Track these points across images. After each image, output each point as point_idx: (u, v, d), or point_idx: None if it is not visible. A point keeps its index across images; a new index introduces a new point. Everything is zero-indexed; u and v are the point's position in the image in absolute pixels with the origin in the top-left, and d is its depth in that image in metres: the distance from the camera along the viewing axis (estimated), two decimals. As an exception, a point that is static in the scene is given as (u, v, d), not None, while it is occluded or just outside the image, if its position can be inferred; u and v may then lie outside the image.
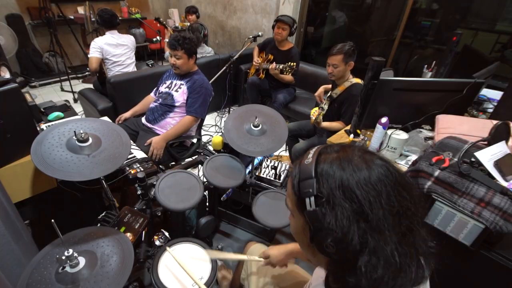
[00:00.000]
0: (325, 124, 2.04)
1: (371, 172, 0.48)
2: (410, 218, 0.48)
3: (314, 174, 0.49)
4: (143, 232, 1.21)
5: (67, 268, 0.85)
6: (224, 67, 2.93)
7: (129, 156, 1.64)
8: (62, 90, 4.06)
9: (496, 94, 1.77)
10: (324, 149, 0.54)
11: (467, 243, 0.99)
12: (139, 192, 1.34)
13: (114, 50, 2.79)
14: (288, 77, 2.85)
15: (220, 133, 3.23)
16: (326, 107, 2.14)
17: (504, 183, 0.97)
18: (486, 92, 1.82)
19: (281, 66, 2.75)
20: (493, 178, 0.97)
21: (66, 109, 1.85)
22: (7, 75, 2.00)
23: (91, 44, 2.72)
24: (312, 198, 0.48)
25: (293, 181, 0.53)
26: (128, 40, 2.89)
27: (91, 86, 3.12)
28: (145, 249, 1.19)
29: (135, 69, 3.04)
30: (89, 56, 2.75)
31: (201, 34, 3.83)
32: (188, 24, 3.89)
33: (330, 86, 2.26)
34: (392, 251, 0.45)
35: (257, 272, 1.13)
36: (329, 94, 2.17)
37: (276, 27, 2.86)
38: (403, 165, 1.38)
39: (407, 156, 1.42)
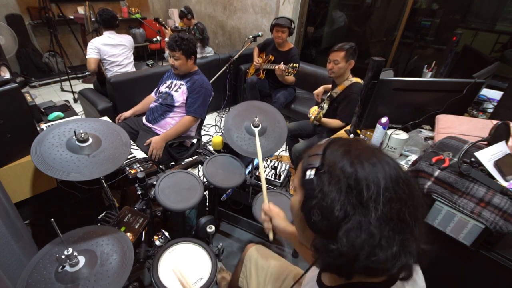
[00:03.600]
0: (325, 120, 2.04)
1: (377, 162, 0.49)
2: (403, 209, 0.48)
3: (322, 151, 0.53)
4: (143, 232, 1.21)
5: (67, 267, 0.85)
6: (224, 67, 2.93)
7: (129, 156, 1.64)
8: (62, 90, 4.06)
9: (496, 94, 1.77)
10: (335, 139, 0.58)
11: (467, 243, 0.98)
12: (139, 192, 1.34)
13: (112, 50, 2.79)
14: (291, 78, 2.86)
15: (220, 133, 3.23)
16: (326, 106, 2.14)
17: (504, 183, 0.97)
18: (486, 92, 1.81)
19: (284, 67, 2.74)
20: (493, 178, 0.97)
21: (66, 109, 1.85)
22: (7, 75, 2.00)
23: (88, 45, 2.72)
24: (313, 170, 0.52)
25: (303, 159, 0.57)
26: (125, 40, 2.89)
27: (91, 86, 3.12)
28: (145, 249, 1.19)
29: (134, 69, 3.04)
30: (86, 57, 2.75)
31: (206, 34, 3.83)
32: (188, 26, 3.87)
33: (330, 86, 2.26)
34: (373, 229, 0.45)
35: (256, 273, 1.13)
36: (329, 93, 2.17)
37: (274, 31, 2.86)
38: (403, 165, 1.38)
39: (407, 156, 1.42)
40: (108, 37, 2.76)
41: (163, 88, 2.11)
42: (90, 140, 1.11)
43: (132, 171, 1.45)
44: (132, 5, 4.94)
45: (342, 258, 0.46)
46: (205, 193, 1.50)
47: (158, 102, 2.09)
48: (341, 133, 1.72)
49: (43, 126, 1.65)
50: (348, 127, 1.72)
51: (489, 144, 1.06)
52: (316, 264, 0.53)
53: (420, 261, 0.52)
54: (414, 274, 0.53)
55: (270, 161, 1.91)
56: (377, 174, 0.48)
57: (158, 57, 4.77)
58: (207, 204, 1.84)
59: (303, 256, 0.97)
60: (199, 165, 1.69)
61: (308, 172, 0.52)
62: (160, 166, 1.96)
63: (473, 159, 1.00)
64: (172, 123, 2.04)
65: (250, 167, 1.67)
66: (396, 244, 0.46)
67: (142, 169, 1.49)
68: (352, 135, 1.62)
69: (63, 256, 0.82)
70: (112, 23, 2.76)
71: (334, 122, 2.03)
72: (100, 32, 2.86)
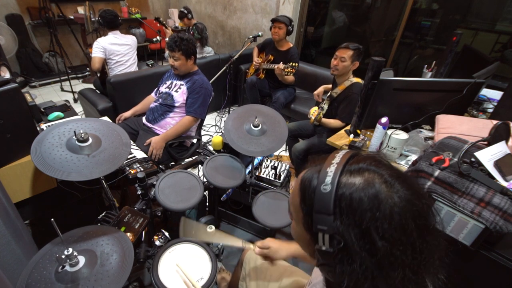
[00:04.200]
0: (325, 120, 2.04)
1: (399, 219, 0.41)
2: (426, 260, 0.44)
3: (332, 209, 0.43)
4: (143, 232, 1.21)
5: (67, 267, 0.85)
6: (224, 67, 2.93)
7: (129, 156, 1.64)
8: (62, 90, 4.06)
9: (496, 94, 1.77)
10: (348, 166, 0.46)
11: (467, 243, 0.98)
12: (139, 192, 1.34)
13: (118, 49, 2.80)
14: (291, 77, 2.86)
15: (220, 133, 3.23)
16: (326, 107, 2.14)
17: (504, 183, 0.97)
18: (486, 92, 1.82)
19: (284, 66, 2.75)
20: (493, 178, 0.97)
21: (66, 109, 1.85)
22: (7, 75, 2.00)
23: (94, 44, 2.72)
24: (327, 237, 0.43)
25: (305, 204, 0.48)
26: (130, 40, 2.91)
27: (91, 86, 3.12)
28: (145, 249, 1.19)
29: (137, 69, 3.05)
30: (92, 55, 2.75)
31: (205, 34, 3.82)
32: (189, 26, 3.87)
33: (330, 86, 2.26)
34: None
35: (255, 274, 1.13)
36: (329, 93, 2.17)
37: (272, 27, 2.87)
38: (403, 165, 1.38)
39: (407, 156, 1.42)
40: (114, 37, 2.77)
41: (163, 88, 2.11)
42: (90, 140, 1.11)
43: (132, 171, 1.45)
44: (132, 5, 4.94)
45: None
46: (205, 193, 1.50)
47: (158, 102, 2.09)
48: (341, 133, 1.72)
49: (43, 126, 1.65)
50: (348, 127, 1.72)
51: (489, 144, 1.06)
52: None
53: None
54: None
55: (270, 161, 1.91)
56: (402, 236, 0.42)
57: (158, 57, 4.77)
58: (207, 204, 1.84)
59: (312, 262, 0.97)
60: (199, 165, 1.69)
61: (320, 237, 0.44)
62: (160, 166, 1.96)
63: (473, 159, 1.00)
64: (172, 123, 2.04)
65: (250, 167, 1.67)
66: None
67: (142, 169, 1.49)
68: (352, 135, 1.62)
69: (63, 256, 0.82)
70: (116, 23, 2.77)
71: (334, 123, 2.03)
72: (100, 32, 2.87)
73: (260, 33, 2.99)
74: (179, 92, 2.01)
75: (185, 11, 3.73)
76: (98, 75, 2.92)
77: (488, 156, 1.00)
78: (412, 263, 0.42)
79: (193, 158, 1.79)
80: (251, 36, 2.93)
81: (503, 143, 1.06)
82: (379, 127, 1.40)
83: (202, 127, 2.54)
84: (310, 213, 0.46)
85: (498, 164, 0.99)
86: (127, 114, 2.22)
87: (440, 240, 0.46)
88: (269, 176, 1.78)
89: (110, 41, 2.74)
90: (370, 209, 0.41)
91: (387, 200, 0.42)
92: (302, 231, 0.51)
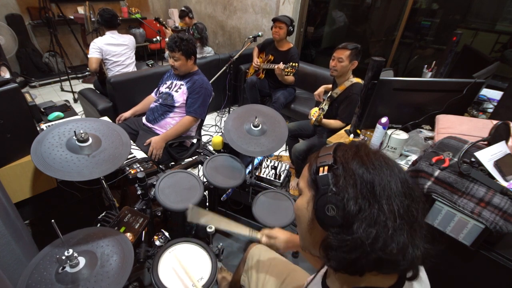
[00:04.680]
0: (326, 121, 2.04)
1: (384, 163, 0.52)
2: (412, 205, 0.50)
3: (332, 152, 0.55)
4: (143, 232, 1.21)
5: (67, 268, 0.85)
6: (224, 67, 2.93)
7: (129, 156, 1.64)
8: (62, 90, 4.06)
9: (496, 94, 1.77)
10: (341, 143, 0.59)
11: (467, 243, 0.99)
12: (139, 192, 1.34)
13: (115, 50, 2.79)
14: (291, 77, 2.86)
15: (220, 133, 3.23)
16: (326, 107, 2.14)
17: (504, 183, 0.97)
18: (486, 92, 1.81)
19: (284, 66, 2.75)
20: (493, 178, 0.97)
21: (66, 109, 1.85)
22: (7, 75, 2.00)
23: (90, 44, 2.72)
24: (326, 167, 0.53)
25: (311, 164, 0.57)
26: (128, 40, 2.90)
27: (91, 86, 3.12)
28: (145, 249, 1.19)
29: (135, 69, 3.04)
30: (88, 56, 2.75)
31: (204, 34, 3.82)
32: (190, 25, 3.88)
33: (330, 86, 2.26)
34: (387, 221, 0.48)
35: (257, 272, 1.13)
36: (329, 94, 2.17)
37: (273, 26, 2.87)
38: (403, 165, 1.38)
39: (407, 156, 1.42)
40: (111, 37, 2.77)
41: (163, 89, 2.11)
42: (90, 140, 1.11)
43: (132, 171, 1.45)
44: (132, 5, 4.94)
45: (357, 250, 0.47)
46: (205, 193, 1.50)
47: (158, 102, 2.09)
48: (341, 133, 1.72)
49: (43, 126, 1.65)
50: (348, 127, 1.72)
51: (489, 144, 1.06)
52: (329, 263, 0.53)
53: (425, 262, 0.53)
54: (421, 273, 0.55)
55: (270, 161, 1.91)
56: (387, 173, 0.50)
57: (158, 57, 4.77)
58: (207, 204, 1.84)
59: (310, 262, 0.97)
60: (199, 165, 1.69)
61: (321, 169, 0.53)
62: (160, 166, 1.96)
63: (473, 159, 1.00)
64: (172, 123, 2.04)
65: (250, 167, 1.67)
66: (406, 236, 0.48)
67: (142, 169, 1.49)
68: (352, 135, 1.62)
69: (63, 257, 0.82)
70: (114, 22, 2.76)
71: (335, 123, 2.03)
72: (100, 32, 2.87)
73: (260, 33, 2.99)
74: (179, 92, 2.01)
75: (186, 10, 3.73)
76: (97, 75, 2.92)
77: (488, 156, 1.00)
78: (398, 196, 0.49)
79: (193, 158, 1.79)
80: (251, 36, 2.93)
81: (503, 143, 1.06)
82: (379, 127, 1.40)
83: (202, 127, 2.54)
84: (315, 167, 0.55)
85: (498, 164, 0.99)
86: (127, 114, 2.22)
87: (424, 211, 0.53)
88: (269, 176, 1.78)
89: (106, 41, 2.74)
90: (362, 155, 0.53)
91: (376, 153, 0.54)
92: (306, 192, 0.58)
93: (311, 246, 0.60)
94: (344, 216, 0.49)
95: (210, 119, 3.49)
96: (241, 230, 1.08)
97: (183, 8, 3.75)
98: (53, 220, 0.83)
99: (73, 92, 3.82)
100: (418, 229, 0.50)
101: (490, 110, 1.69)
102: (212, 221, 1.11)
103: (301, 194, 0.60)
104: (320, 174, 0.53)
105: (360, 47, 1.95)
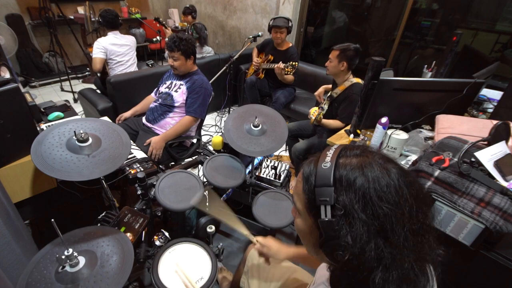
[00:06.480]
0: (325, 121, 2.04)
1: (394, 185, 0.46)
2: (425, 231, 0.47)
3: (332, 182, 0.47)
4: (143, 232, 1.21)
5: (67, 268, 0.85)
6: (224, 67, 2.92)
7: (129, 156, 1.64)
8: (62, 90, 4.06)
9: (496, 94, 1.77)
10: (343, 151, 0.52)
11: (467, 243, 0.98)
12: (139, 192, 1.34)
13: (119, 50, 2.81)
14: (290, 76, 2.86)
15: (220, 133, 3.23)
16: (326, 107, 2.14)
17: (504, 183, 0.97)
18: (486, 92, 1.81)
19: (283, 65, 2.74)
20: (493, 178, 0.97)
21: (66, 109, 1.85)
22: (7, 75, 2.00)
23: (94, 44, 2.72)
24: (329, 208, 0.46)
25: (307, 184, 0.51)
26: (130, 41, 2.91)
27: (91, 86, 3.12)
28: (145, 249, 1.19)
29: (137, 69, 3.05)
30: (92, 56, 2.75)
31: (203, 33, 3.83)
32: (188, 25, 3.89)
33: (330, 86, 2.26)
34: (408, 268, 0.45)
35: (258, 274, 1.13)
36: (329, 94, 2.17)
37: (273, 32, 2.86)
38: (403, 165, 1.38)
39: (407, 156, 1.42)
40: (114, 37, 2.77)
41: (163, 89, 2.11)
42: (90, 140, 1.11)
43: (132, 171, 1.45)
44: (132, 5, 4.94)
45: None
46: (205, 193, 1.50)
47: (158, 102, 2.09)
48: (341, 133, 1.72)
49: (43, 126, 1.65)
50: (348, 127, 1.72)
51: (489, 144, 1.06)
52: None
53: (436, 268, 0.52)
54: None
55: (270, 161, 1.91)
56: (399, 204, 0.45)
57: (158, 57, 4.76)
58: (207, 204, 1.84)
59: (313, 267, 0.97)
60: (199, 165, 1.69)
61: (322, 209, 0.47)
62: (160, 166, 1.96)
63: (473, 159, 1.00)
64: (172, 123, 2.04)
65: (250, 167, 1.67)
66: (426, 273, 0.47)
67: (142, 169, 1.49)
68: (352, 135, 1.62)
69: (63, 257, 0.82)
70: (116, 23, 2.77)
71: (334, 123, 2.03)
72: (100, 32, 2.87)
73: (260, 33, 2.99)
74: (179, 92, 2.01)
75: (191, 9, 3.77)
76: (99, 75, 2.92)
77: (488, 156, 1.00)
78: (410, 223, 0.45)
79: (193, 158, 1.79)
80: (251, 36, 2.93)
81: (503, 143, 1.06)
82: (379, 127, 1.40)
83: (202, 127, 2.54)
84: (312, 191, 0.49)
85: (498, 164, 0.99)
86: (127, 114, 2.22)
87: (432, 213, 0.50)
88: (269, 176, 1.78)
89: (110, 41, 2.74)
90: (366, 180, 0.46)
91: (382, 171, 0.47)
92: (306, 217, 0.53)
93: (321, 260, 0.59)
94: (359, 267, 0.45)
95: (210, 119, 3.49)
96: (241, 228, 1.09)
97: (188, 6, 3.76)
98: (53, 220, 0.83)
99: (73, 92, 3.82)
100: (428, 252, 0.48)
101: (490, 110, 1.69)
102: (217, 213, 1.11)
103: (298, 212, 0.56)
104: (322, 217, 0.47)
105: (354, 47, 1.92)
